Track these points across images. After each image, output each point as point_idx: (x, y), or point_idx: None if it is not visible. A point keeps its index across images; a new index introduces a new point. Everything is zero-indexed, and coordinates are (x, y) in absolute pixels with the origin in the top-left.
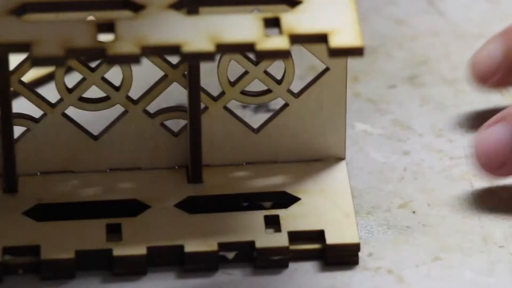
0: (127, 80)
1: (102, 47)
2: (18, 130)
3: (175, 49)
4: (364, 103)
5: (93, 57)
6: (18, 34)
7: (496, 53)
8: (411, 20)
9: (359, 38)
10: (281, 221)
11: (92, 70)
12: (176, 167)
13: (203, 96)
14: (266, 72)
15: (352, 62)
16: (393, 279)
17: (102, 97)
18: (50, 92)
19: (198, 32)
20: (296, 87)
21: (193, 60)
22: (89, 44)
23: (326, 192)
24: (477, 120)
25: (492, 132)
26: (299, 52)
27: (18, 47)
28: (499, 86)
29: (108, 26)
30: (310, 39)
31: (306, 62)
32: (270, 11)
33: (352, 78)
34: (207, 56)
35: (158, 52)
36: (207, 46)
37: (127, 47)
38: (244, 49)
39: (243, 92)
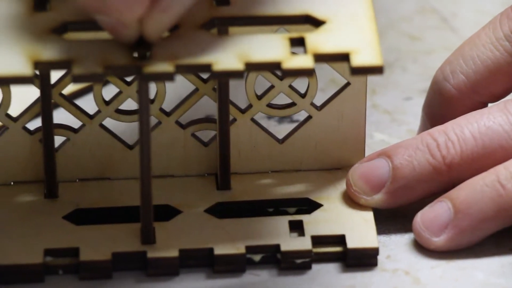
0: (160, 94)
1: (138, 65)
2: (58, 140)
3: (206, 68)
4: (381, 114)
5: (130, 74)
6: (60, 52)
7: (385, 169)
8: (425, 36)
9: (379, 57)
10: (305, 226)
11: (128, 84)
12: (206, 174)
13: (231, 108)
14: (290, 87)
15: (370, 76)
16: (409, 280)
17: (137, 109)
18: (88, 103)
19: (227, 51)
20: (318, 99)
21: (223, 78)
22: (126, 62)
23: (346, 198)
24: None
25: (373, 162)
26: (321, 66)
27: (60, 65)
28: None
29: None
30: (333, 58)
31: (327, 76)
32: (295, 31)
33: (370, 91)
34: (236, 74)
35: (190, 70)
36: (236, 64)
37: (162, 66)
38: (271, 67)
39: (269, 105)
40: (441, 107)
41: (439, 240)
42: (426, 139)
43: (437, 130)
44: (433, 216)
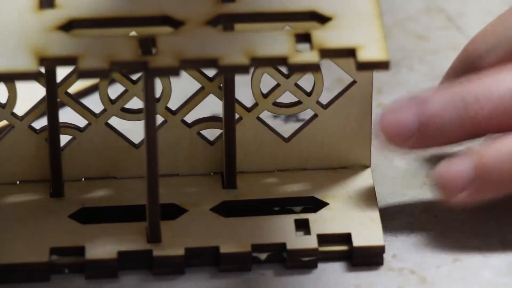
0: (166, 92)
1: (144, 60)
2: (64, 139)
3: (212, 62)
4: None
5: (136, 70)
6: (65, 48)
7: (410, 118)
8: (431, 35)
9: (385, 53)
10: (311, 225)
11: (134, 82)
12: (212, 173)
13: (237, 107)
14: (296, 85)
15: (376, 75)
16: (415, 279)
17: (143, 108)
18: (94, 102)
19: (233, 47)
20: (324, 98)
21: (229, 73)
22: (131, 58)
23: (352, 197)
24: None
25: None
26: (327, 66)
27: (65, 61)
28: (412, 149)
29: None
30: (339, 53)
31: (333, 75)
32: (301, 28)
33: (376, 90)
34: (242, 69)
35: (196, 65)
36: (242, 59)
37: (167, 61)
38: (276, 62)
39: (275, 104)
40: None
41: (462, 195)
42: (463, 92)
43: (467, 90)
44: (456, 171)
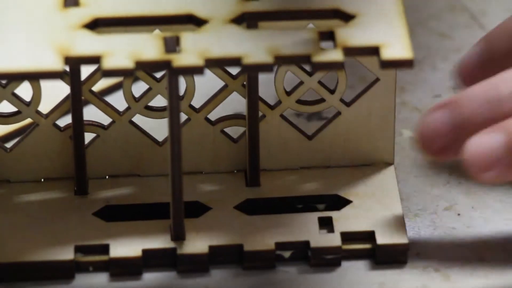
0: (190, 90)
1: (168, 59)
2: (88, 137)
3: (236, 61)
4: (410, 111)
5: (160, 68)
6: (90, 47)
7: (445, 120)
8: (454, 34)
9: (409, 51)
10: (334, 222)
11: (158, 80)
12: (235, 171)
13: (261, 105)
14: (320, 83)
15: (399, 73)
16: (439, 277)
17: (166, 106)
18: (118, 100)
19: (257, 45)
20: (347, 96)
21: (253, 71)
22: (156, 57)
23: (376, 195)
24: None
25: (433, 117)
26: (350, 63)
27: (90, 60)
28: (446, 155)
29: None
30: (363, 51)
31: (356, 73)
32: (324, 26)
33: (399, 88)
34: (266, 68)
35: (220, 63)
36: (266, 58)
37: (192, 59)
38: (300, 61)
39: (299, 101)
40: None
41: (492, 174)
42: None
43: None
44: (485, 148)
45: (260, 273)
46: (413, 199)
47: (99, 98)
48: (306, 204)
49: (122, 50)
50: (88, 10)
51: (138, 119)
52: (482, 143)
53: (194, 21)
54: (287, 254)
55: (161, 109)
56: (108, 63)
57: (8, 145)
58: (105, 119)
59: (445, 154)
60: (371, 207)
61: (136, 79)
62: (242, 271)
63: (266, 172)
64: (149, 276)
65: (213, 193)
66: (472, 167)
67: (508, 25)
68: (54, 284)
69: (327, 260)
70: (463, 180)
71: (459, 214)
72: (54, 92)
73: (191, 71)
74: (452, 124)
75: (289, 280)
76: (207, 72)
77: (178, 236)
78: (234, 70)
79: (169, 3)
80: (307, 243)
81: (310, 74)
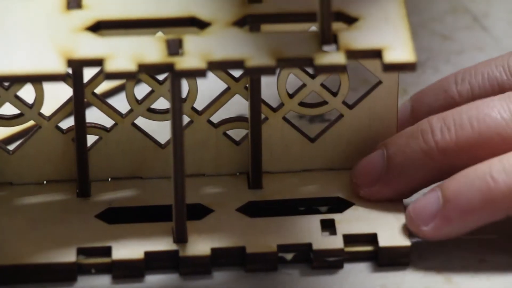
0: (192, 92)
1: (171, 62)
2: (91, 139)
3: (239, 64)
4: None
5: (163, 71)
6: (93, 49)
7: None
8: (457, 36)
9: (412, 54)
10: (336, 225)
11: (160, 82)
12: (238, 173)
13: (263, 107)
14: (322, 85)
15: (401, 75)
16: (441, 279)
17: (169, 108)
18: (120, 103)
19: (260, 48)
20: (350, 99)
21: (255, 74)
22: (158, 59)
23: None
24: None
25: (372, 154)
26: (353, 66)
27: (92, 62)
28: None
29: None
30: (365, 54)
31: (359, 75)
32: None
33: (401, 90)
34: (269, 70)
35: (223, 66)
36: (269, 61)
37: (194, 62)
38: (303, 63)
39: (301, 104)
40: (437, 102)
41: (427, 229)
42: (422, 125)
43: (436, 117)
44: (424, 204)
45: (262, 275)
46: None
47: (102, 101)
48: (308, 206)
49: (124, 52)
50: (91, 13)
51: (140, 121)
52: (421, 200)
53: (196, 24)
54: (289, 256)
55: (164, 112)
56: (111, 66)
57: (11, 147)
58: (108, 122)
59: (378, 189)
60: (374, 209)
61: (138, 81)
62: (244, 273)
63: (269, 174)
64: (151, 279)
65: (216, 195)
66: (414, 220)
67: (434, 84)
68: (57, 287)
69: (329, 262)
70: None
71: None
72: (57, 95)
73: (194, 73)
74: (385, 160)
75: (291, 282)
76: (210, 74)
77: (181, 239)
78: (236, 73)
79: (171, 6)
80: (309, 245)
81: (312, 76)
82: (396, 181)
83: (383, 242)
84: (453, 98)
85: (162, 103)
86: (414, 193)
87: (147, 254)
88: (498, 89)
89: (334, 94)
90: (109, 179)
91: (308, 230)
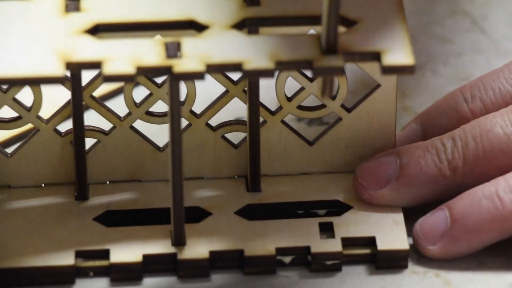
0: (190, 96)
1: (169, 64)
2: (89, 142)
3: (237, 67)
4: (412, 116)
5: (161, 74)
6: (91, 52)
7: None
8: (456, 39)
9: (410, 57)
10: (335, 228)
11: (159, 85)
12: (236, 177)
13: (261, 110)
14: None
15: (400, 78)
16: (440, 282)
17: (167, 111)
18: (118, 106)
19: (258, 51)
20: (348, 102)
21: (253, 77)
22: (157, 62)
23: None
24: None
25: (382, 159)
26: (351, 69)
27: (91, 65)
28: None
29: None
30: (364, 57)
31: (358, 78)
32: None
33: (400, 93)
34: (267, 73)
35: (221, 69)
36: (267, 63)
37: (193, 65)
38: (301, 66)
39: (299, 107)
40: (450, 123)
41: (434, 248)
42: (436, 143)
43: (446, 136)
44: (431, 224)
45: (260, 278)
46: None
47: (100, 104)
48: (306, 209)
49: (123, 55)
50: (89, 16)
51: (139, 124)
52: (429, 219)
53: (195, 27)
54: (287, 259)
55: (162, 115)
56: (109, 69)
57: (9, 150)
58: (106, 125)
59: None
60: (372, 212)
61: (137, 84)
62: (242, 276)
63: (267, 177)
64: (149, 281)
65: (214, 198)
66: (421, 239)
67: (441, 104)
68: None
69: (327, 265)
70: None
71: None
72: (55, 98)
73: (192, 76)
74: (397, 168)
75: (289, 285)
76: (208, 77)
77: (179, 241)
78: (235, 76)
79: (170, 9)
80: (307, 248)
81: (311, 79)
82: (404, 190)
83: (381, 245)
84: (466, 118)
85: (160, 106)
86: (415, 205)
87: (145, 257)
88: (511, 101)
89: (333, 98)
90: (107, 182)
91: (306, 233)
